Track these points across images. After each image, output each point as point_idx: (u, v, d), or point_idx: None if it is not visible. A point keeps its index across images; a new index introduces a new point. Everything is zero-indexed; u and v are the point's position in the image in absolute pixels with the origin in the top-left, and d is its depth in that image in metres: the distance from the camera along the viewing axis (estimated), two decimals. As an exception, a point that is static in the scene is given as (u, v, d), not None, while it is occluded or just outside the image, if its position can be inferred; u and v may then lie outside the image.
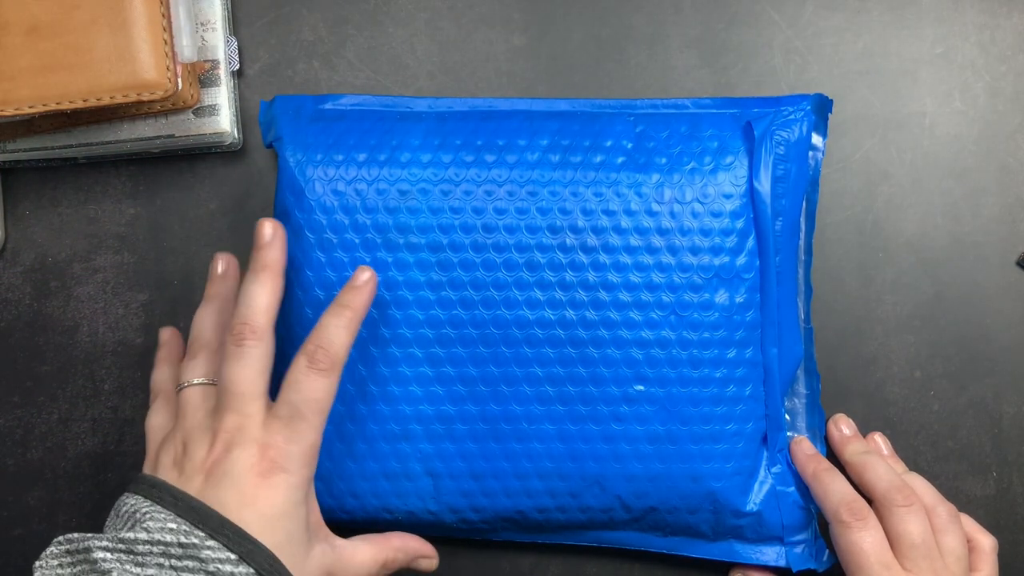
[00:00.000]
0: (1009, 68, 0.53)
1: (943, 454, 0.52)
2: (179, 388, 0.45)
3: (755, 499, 0.49)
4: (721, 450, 0.48)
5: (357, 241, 0.47)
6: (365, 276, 0.45)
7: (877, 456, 0.49)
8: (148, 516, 0.39)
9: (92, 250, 0.54)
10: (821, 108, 0.50)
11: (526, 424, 0.48)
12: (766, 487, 0.49)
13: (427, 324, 0.48)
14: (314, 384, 0.42)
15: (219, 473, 0.41)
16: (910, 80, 0.53)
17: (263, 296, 0.44)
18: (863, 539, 0.45)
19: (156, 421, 0.46)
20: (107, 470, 0.53)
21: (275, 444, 0.41)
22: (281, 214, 0.48)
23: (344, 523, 0.49)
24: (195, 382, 0.45)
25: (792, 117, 0.49)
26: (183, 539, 0.38)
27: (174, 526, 0.39)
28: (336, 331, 0.43)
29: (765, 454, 0.49)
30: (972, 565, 0.47)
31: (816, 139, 0.50)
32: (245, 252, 0.53)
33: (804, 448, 0.49)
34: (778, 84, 0.53)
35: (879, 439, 0.51)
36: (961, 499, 0.52)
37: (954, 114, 0.53)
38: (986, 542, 0.48)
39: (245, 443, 0.41)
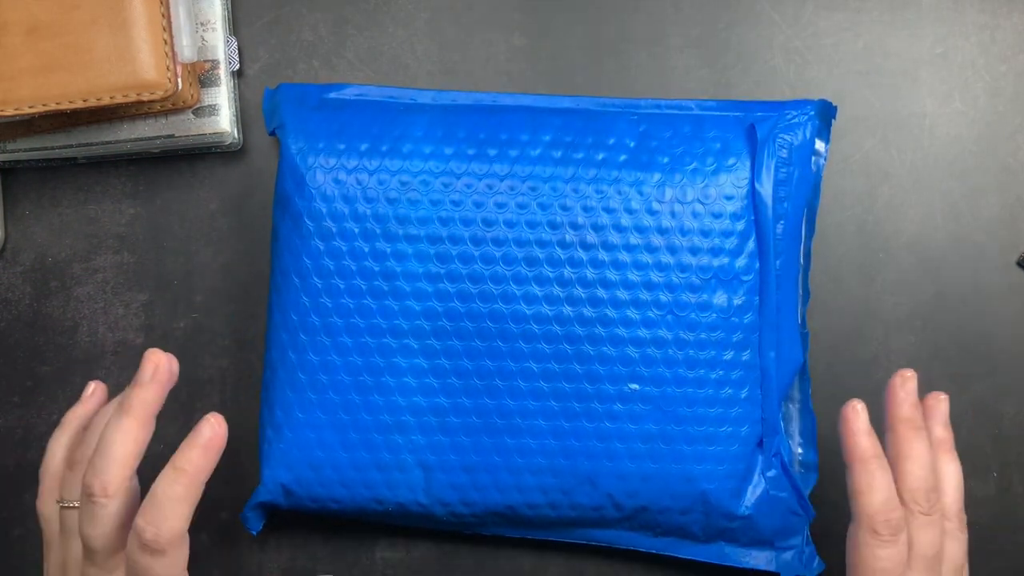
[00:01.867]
0: (1009, 68, 0.53)
1: (943, 454, 0.52)
2: (61, 502, 0.44)
3: (747, 502, 0.48)
4: (715, 452, 0.48)
5: (356, 230, 0.48)
6: (206, 433, 0.40)
7: (925, 443, 0.44)
8: None
9: (92, 250, 0.54)
10: (825, 113, 0.50)
11: (520, 419, 0.48)
12: (759, 491, 0.49)
13: (423, 316, 0.48)
14: (153, 565, 0.40)
15: None
16: (910, 80, 0.53)
17: (124, 448, 0.41)
18: (888, 556, 0.42)
19: (45, 508, 0.45)
20: (107, 470, 0.53)
21: None
22: (281, 201, 0.48)
23: (334, 513, 0.49)
24: (69, 505, 0.43)
25: (796, 121, 0.49)
26: None
27: None
28: (171, 505, 0.40)
29: (760, 458, 0.49)
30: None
31: (819, 144, 0.50)
32: (245, 252, 0.53)
33: (861, 421, 0.43)
34: (778, 84, 0.53)
35: (944, 403, 0.46)
36: (961, 499, 0.52)
37: (954, 114, 0.53)
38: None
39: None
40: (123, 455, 0.41)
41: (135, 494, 0.42)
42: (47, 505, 0.45)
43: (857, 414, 0.43)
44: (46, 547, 0.44)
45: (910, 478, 0.43)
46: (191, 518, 0.40)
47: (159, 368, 0.42)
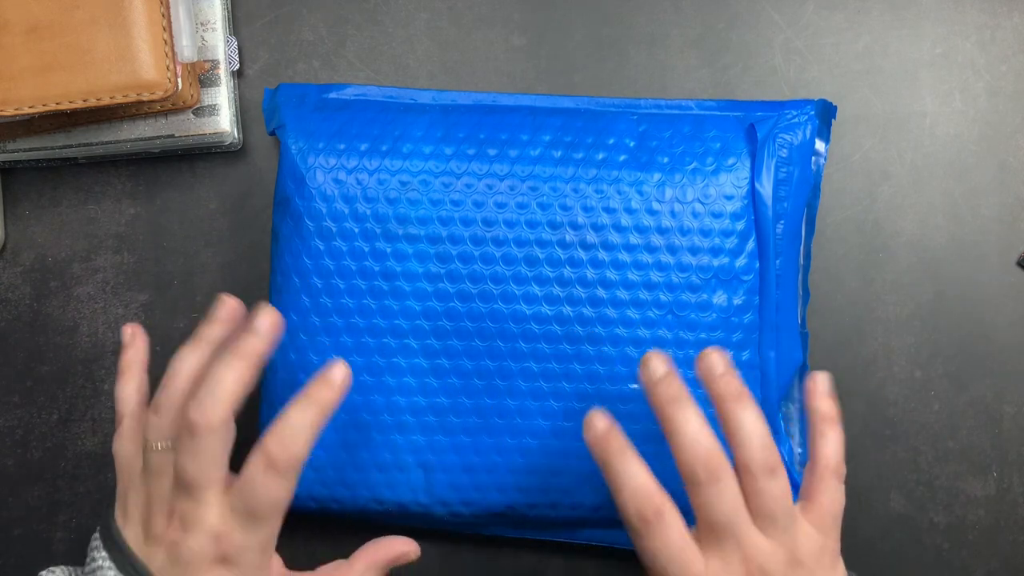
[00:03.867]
0: (1009, 68, 0.53)
1: (943, 454, 0.52)
2: (145, 444, 0.43)
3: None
4: None
5: (356, 230, 0.48)
6: (340, 375, 0.42)
7: (691, 409, 0.40)
8: None
9: (92, 250, 0.54)
10: (825, 113, 0.50)
11: (520, 419, 0.48)
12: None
13: (423, 316, 0.48)
14: (271, 486, 0.40)
15: (176, 555, 0.40)
16: (910, 80, 0.53)
17: (228, 384, 0.41)
18: (654, 547, 0.40)
19: (124, 450, 0.44)
20: (107, 470, 0.53)
21: (228, 536, 0.40)
22: (281, 201, 0.48)
23: (335, 513, 0.49)
24: (159, 447, 0.42)
25: (796, 121, 0.49)
26: None
27: None
28: (300, 431, 0.41)
29: (761, 456, 0.49)
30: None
31: (819, 144, 0.50)
32: (245, 252, 0.53)
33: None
34: (778, 84, 0.53)
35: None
36: (961, 499, 0.52)
37: (954, 114, 0.53)
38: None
39: (199, 530, 0.40)
40: (230, 393, 0.41)
41: (233, 434, 0.42)
42: (127, 446, 0.44)
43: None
44: (124, 489, 0.44)
45: (684, 450, 0.40)
46: (312, 448, 0.41)
47: (275, 325, 0.43)
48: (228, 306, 0.45)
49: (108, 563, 0.41)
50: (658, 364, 0.42)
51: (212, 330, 0.45)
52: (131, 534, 0.42)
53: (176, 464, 0.41)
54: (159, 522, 0.42)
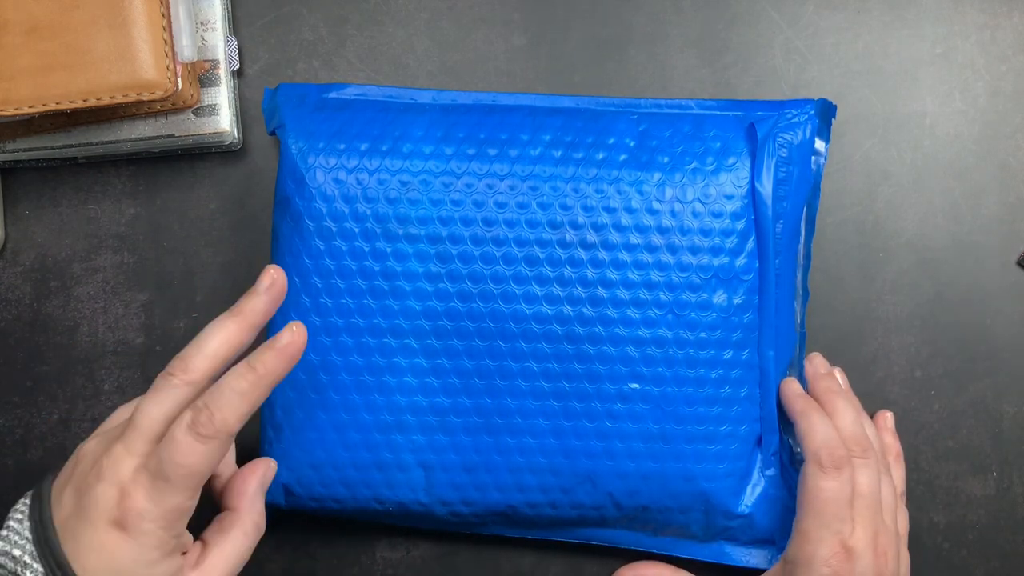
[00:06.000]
0: (1009, 68, 0.53)
1: (943, 454, 0.52)
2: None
3: (747, 501, 0.49)
4: (714, 451, 0.48)
5: (356, 230, 0.48)
6: (285, 339, 0.41)
7: (847, 401, 0.48)
8: (8, 528, 0.39)
9: (92, 250, 0.54)
10: (825, 113, 0.50)
11: (520, 418, 0.48)
12: (759, 490, 0.49)
13: (424, 315, 0.48)
14: (189, 449, 0.38)
15: (82, 504, 0.39)
16: (910, 80, 0.53)
17: (216, 341, 0.40)
18: (831, 488, 0.45)
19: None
20: (107, 470, 0.53)
21: (134, 496, 0.38)
22: (281, 201, 0.48)
23: (335, 513, 0.49)
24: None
25: (796, 120, 0.49)
26: (14, 568, 0.38)
27: (17, 553, 0.38)
28: (231, 396, 0.39)
29: (759, 456, 0.49)
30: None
31: (819, 144, 0.50)
32: (245, 252, 0.53)
33: (793, 387, 0.49)
34: (778, 84, 0.53)
35: (839, 375, 0.51)
36: (961, 499, 0.52)
37: (954, 114, 0.53)
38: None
39: (110, 482, 0.39)
40: (215, 348, 0.40)
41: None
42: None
43: (787, 383, 0.49)
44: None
45: (841, 428, 0.47)
46: (244, 422, 0.40)
47: (276, 283, 0.42)
48: (269, 276, 0.43)
49: (23, 505, 0.40)
50: (821, 362, 0.51)
51: (244, 298, 0.43)
52: (52, 485, 0.41)
53: (137, 408, 0.40)
54: (84, 466, 0.40)
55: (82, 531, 0.39)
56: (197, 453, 0.39)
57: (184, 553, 0.41)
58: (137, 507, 0.38)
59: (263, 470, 0.45)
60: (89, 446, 0.42)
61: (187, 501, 0.39)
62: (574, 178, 0.48)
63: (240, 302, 0.42)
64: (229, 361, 0.41)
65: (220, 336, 0.41)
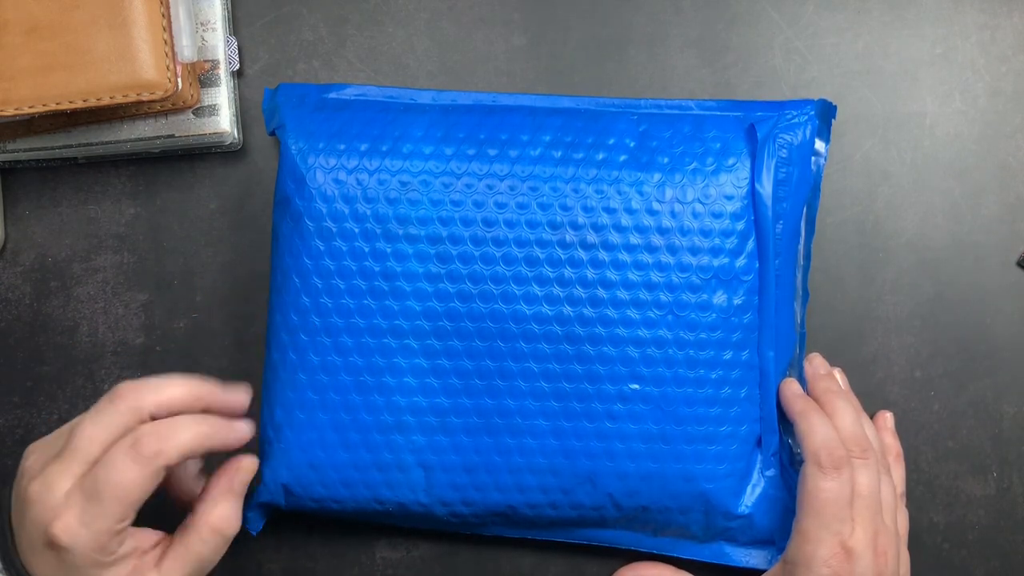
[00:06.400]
0: (1009, 68, 0.53)
1: (943, 454, 0.52)
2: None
3: (747, 502, 0.49)
4: (714, 451, 0.48)
5: (356, 231, 0.48)
6: (243, 431, 0.43)
7: (847, 401, 0.48)
8: None
9: (92, 250, 0.54)
10: (825, 113, 0.50)
11: (520, 419, 0.48)
12: (758, 490, 0.49)
13: (424, 316, 0.48)
14: (125, 469, 0.39)
15: (23, 521, 0.40)
16: (910, 80, 0.53)
17: (178, 393, 0.42)
18: (831, 488, 0.44)
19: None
20: (107, 470, 0.53)
21: (64, 519, 0.39)
22: (281, 201, 0.48)
23: (335, 513, 0.49)
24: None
25: (796, 121, 0.49)
26: None
27: None
28: (179, 435, 0.40)
29: (759, 457, 0.49)
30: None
31: (819, 144, 0.50)
32: (245, 252, 0.53)
33: (793, 388, 0.49)
34: (778, 84, 0.53)
35: (839, 375, 0.51)
36: (961, 499, 0.52)
37: (954, 114, 0.53)
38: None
39: (44, 504, 0.39)
40: (171, 396, 0.41)
41: (150, 427, 0.41)
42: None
43: (787, 384, 0.49)
44: None
45: (841, 428, 0.47)
46: (181, 460, 0.40)
47: (244, 407, 0.44)
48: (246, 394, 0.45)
49: None
50: (821, 363, 0.51)
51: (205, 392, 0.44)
52: (14, 490, 0.42)
53: (76, 424, 0.41)
54: (26, 480, 0.40)
55: (27, 545, 0.40)
56: (131, 473, 0.39)
57: (147, 552, 0.42)
58: (69, 530, 0.39)
59: (232, 471, 0.45)
60: (29, 462, 0.42)
61: (117, 524, 0.40)
62: (574, 178, 0.48)
63: (218, 387, 0.43)
64: (186, 457, 0.42)
65: (181, 390, 0.42)
